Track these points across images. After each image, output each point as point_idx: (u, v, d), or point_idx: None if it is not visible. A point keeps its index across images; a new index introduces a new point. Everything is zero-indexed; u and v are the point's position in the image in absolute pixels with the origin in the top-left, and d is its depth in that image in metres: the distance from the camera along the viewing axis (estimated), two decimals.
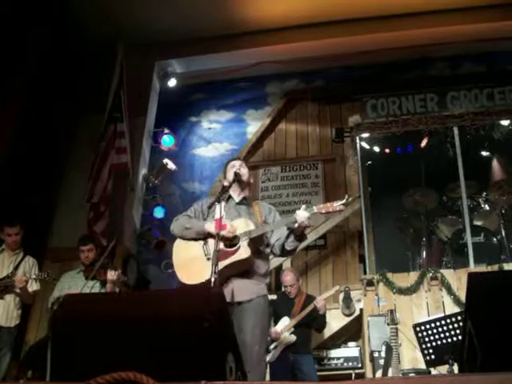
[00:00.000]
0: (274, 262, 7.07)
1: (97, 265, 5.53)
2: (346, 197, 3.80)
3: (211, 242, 3.75)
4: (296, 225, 3.73)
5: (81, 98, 8.20)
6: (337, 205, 3.74)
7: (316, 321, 6.23)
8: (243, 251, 3.72)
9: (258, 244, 3.92)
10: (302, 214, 3.68)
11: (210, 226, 3.81)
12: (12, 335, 5.73)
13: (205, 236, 3.86)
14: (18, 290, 5.66)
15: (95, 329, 2.12)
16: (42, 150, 7.47)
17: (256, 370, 3.54)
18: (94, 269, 5.50)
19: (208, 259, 3.74)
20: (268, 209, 4.17)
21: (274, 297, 6.26)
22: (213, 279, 3.30)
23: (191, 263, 3.80)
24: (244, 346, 3.53)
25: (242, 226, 3.83)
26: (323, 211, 3.78)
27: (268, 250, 4.04)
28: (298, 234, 3.82)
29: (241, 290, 3.74)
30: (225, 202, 3.94)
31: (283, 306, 6.28)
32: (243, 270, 3.78)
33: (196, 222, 3.95)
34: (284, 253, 4.04)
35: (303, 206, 3.75)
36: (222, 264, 3.63)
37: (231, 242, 3.77)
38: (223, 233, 3.64)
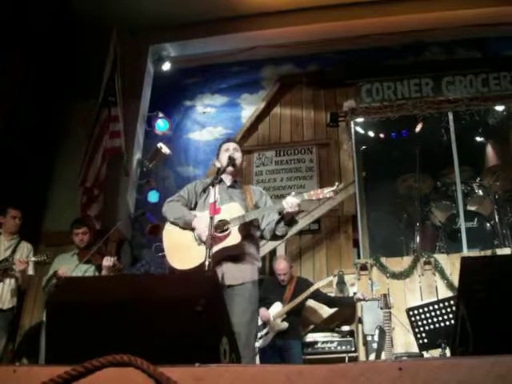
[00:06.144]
0: (268, 246, 7.09)
1: (92, 248, 5.53)
2: (337, 184, 3.71)
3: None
4: (285, 211, 3.71)
5: (74, 83, 8.16)
6: (327, 191, 3.68)
7: (322, 298, 6.37)
8: (233, 237, 3.71)
9: (249, 228, 3.91)
10: (291, 201, 3.65)
11: (197, 222, 3.79)
12: (7, 319, 5.73)
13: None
14: (17, 274, 5.66)
15: (90, 312, 2.12)
16: (36, 136, 7.45)
17: (243, 353, 3.55)
18: (88, 252, 5.49)
19: (199, 245, 3.74)
20: (259, 193, 4.16)
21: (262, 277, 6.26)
22: (207, 263, 3.30)
23: (183, 249, 3.80)
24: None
25: (235, 210, 3.82)
26: (313, 198, 3.72)
27: (258, 234, 4.03)
28: (288, 219, 3.80)
29: (231, 274, 3.73)
30: (218, 185, 3.95)
31: (275, 292, 6.29)
32: (234, 254, 3.77)
33: (186, 214, 3.91)
34: (274, 238, 4.03)
35: (293, 193, 3.72)
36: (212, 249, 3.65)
37: (222, 227, 3.76)
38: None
